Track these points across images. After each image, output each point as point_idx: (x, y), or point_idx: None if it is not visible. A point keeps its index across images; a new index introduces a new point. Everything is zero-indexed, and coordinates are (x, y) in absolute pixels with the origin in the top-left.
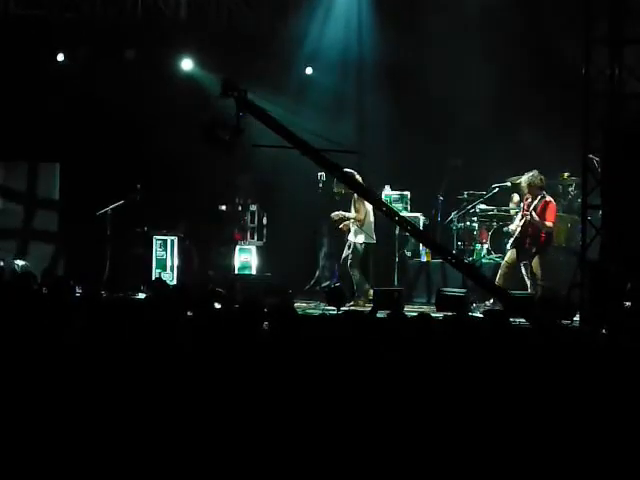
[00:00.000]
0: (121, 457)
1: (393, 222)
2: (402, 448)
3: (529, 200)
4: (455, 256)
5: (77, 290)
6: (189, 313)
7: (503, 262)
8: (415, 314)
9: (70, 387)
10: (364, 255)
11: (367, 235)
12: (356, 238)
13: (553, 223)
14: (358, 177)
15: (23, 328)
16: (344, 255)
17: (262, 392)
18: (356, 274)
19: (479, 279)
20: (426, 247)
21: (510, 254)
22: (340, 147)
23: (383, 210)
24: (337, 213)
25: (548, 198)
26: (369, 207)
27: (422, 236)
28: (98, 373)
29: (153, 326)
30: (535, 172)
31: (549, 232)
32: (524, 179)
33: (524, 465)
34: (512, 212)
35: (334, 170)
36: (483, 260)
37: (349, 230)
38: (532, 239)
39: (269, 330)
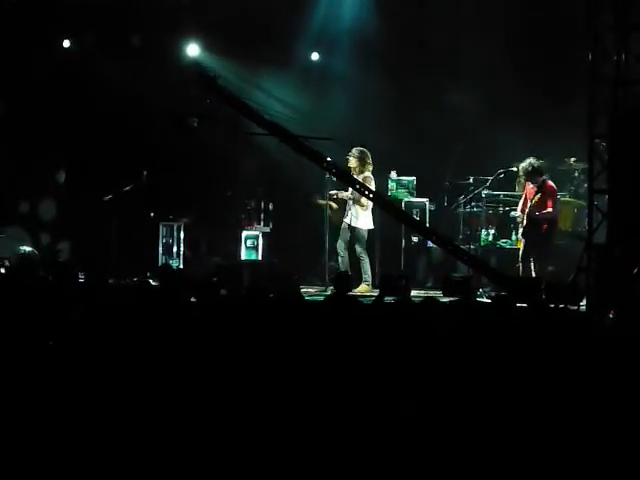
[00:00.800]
0: (126, 446)
1: (381, 208)
2: (409, 435)
3: (529, 188)
4: (452, 243)
5: (80, 276)
6: (193, 299)
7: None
8: (421, 299)
9: (74, 373)
10: (368, 240)
11: (370, 220)
12: (359, 222)
13: (553, 208)
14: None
15: (27, 315)
16: (344, 239)
17: (268, 378)
18: (365, 259)
19: (479, 265)
20: (420, 234)
21: (522, 248)
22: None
23: (371, 197)
24: (335, 192)
25: (548, 183)
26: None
27: (415, 224)
28: (103, 359)
29: (159, 312)
30: (530, 159)
31: (552, 218)
32: (520, 168)
33: (530, 453)
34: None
35: (316, 158)
36: (492, 245)
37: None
38: (537, 229)
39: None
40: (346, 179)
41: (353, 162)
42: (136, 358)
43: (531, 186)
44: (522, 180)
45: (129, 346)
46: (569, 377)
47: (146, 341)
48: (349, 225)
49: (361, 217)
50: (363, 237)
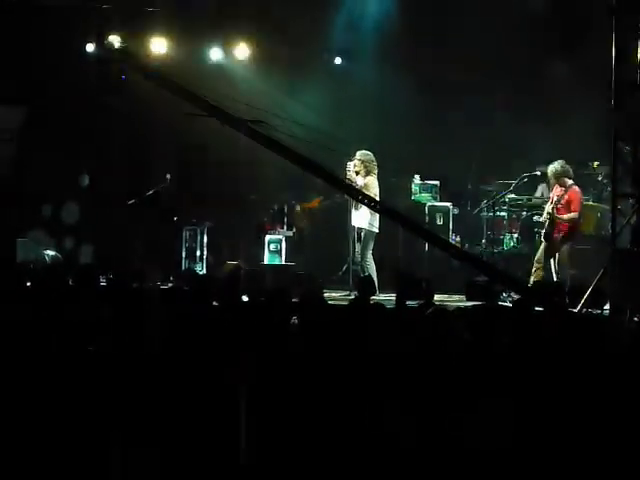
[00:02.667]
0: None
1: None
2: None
3: (558, 190)
4: (454, 247)
5: (101, 280)
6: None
7: (534, 261)
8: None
9: (98, 371)
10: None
11: (377, 222)
12: (368, 224)
13: (578, 212)
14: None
15: (52, 319)
16: (354, 240)
17: (289, 382)
18: (371, 264)
19: (486, 269)
20: (421, 238)
21: (540, 251)
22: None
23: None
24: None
25: (574, 188)
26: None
27: (413, 226)
28: (126, 359)
29: (180, 316)
30: (560, 161)
31: (574, 221)
32: (550, 169)
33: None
34: (539, 202)
35: (239, 125)
36: (512, 250)
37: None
38: (558, 230)
39: (298, 322)
40: (280, 149)
41: (358, 166)
42: (154, 360)
43: (559, 189)
44: (551, 182)
45: (150, 347)
46: (591, 381)
47: (167, 344)
48: (357, 227)
49: (371, 218)
50: (371, 240)
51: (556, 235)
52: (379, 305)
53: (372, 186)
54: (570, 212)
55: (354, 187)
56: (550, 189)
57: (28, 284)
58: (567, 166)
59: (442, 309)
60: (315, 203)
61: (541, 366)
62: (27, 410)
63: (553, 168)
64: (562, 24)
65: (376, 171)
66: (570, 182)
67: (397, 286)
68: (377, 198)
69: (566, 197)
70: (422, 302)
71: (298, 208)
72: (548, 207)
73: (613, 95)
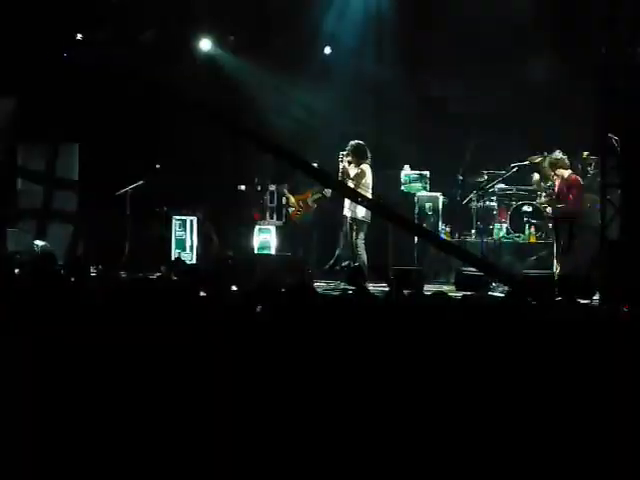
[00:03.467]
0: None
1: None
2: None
3: (557, 180)
4: (438, 238)
5: (92, 270)
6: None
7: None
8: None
9: (89, 365)
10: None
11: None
12: (360, 214)
13: (577, 198)
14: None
15: (43, 309)
16: (347, 231)
17: (277, 374)
18: (364, 254)
19: (475, 261)
20: (402, 228)
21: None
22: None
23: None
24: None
25: (572, 176)
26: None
27: (395, 217)
28: (116, 351)
29: (171, 306)
30: (557, 152)
31: (574, 211)
32: (547, 160)
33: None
34: (535, 190)
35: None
36: (503, 239)
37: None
38: (561, 220)
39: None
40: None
41: (350, 155)
42: (145, 352)
43: (556, 179)
44: (547, 172)
45: (140, 339)
46: (579, 371)
47: (156, 336)
48: (349, 216)
49: (361, 208)
50: (363, 230)
51: (560, 227)
52: (367, 294)
53: (365, 174)
54: (567, 201)
55: (344, 184)
56: (542, 179)
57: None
58: (562, 155)
59: (442, 293)
60: (308, 195)
61: (532, 359)
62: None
63: (549, 159)
64: (559, 15)
65: (369, 159)
66: (568, 172)
67: (389, 277)
68: (370, 185)
69: (565, 185)
70: (412, 292)
71: (289, 199)
72: (546, 200)
73: (603, 85)
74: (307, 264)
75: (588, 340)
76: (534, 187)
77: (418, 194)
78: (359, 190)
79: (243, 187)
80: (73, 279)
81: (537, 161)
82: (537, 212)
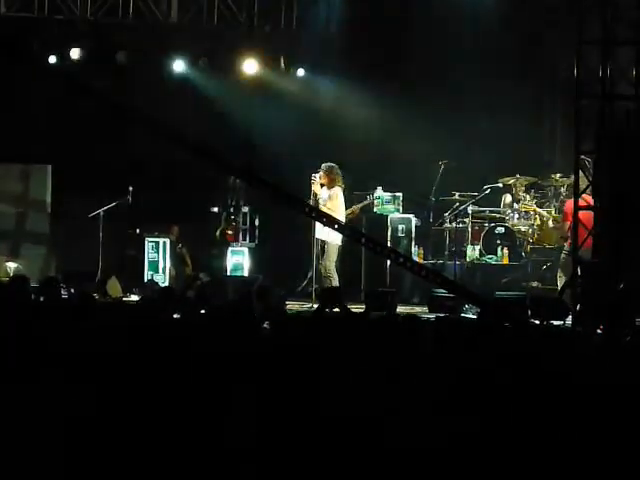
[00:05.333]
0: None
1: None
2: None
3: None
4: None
5: (63, 292)
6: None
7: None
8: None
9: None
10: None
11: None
12: (331, 236)
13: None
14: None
15: (17, 331)
16: (318, 253)
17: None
18: (335, 277)
19: (449, 285)
20: (384, 257)
21: None
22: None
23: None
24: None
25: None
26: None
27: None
28: (88, 374)
29: (144, 328)
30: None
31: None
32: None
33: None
34: (504, 213)
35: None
36: (476, 261)
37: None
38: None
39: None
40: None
41: (323, 178)
42: (120, 375)
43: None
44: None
45: (114, 361)
46: (552, 394)
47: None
48: (321, 239)
49: (332, 231)
50: (334, 252)
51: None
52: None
53: (338, 197)
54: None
55: (315, 209)
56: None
57: None
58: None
59: (413, 316)
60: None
61: (504, 379)
62: None
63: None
64: (518, 36)
65: (341, 182)
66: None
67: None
68: (343, 208)
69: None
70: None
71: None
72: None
73: (576, 107)
74: (278, 286)
75: (559, 362)
76: (505, 209)
77: (391, 216)
78: (331, 213)
79: (216, 209)
80: (44, 299)
81: (509, 183)
82: (510, 233)
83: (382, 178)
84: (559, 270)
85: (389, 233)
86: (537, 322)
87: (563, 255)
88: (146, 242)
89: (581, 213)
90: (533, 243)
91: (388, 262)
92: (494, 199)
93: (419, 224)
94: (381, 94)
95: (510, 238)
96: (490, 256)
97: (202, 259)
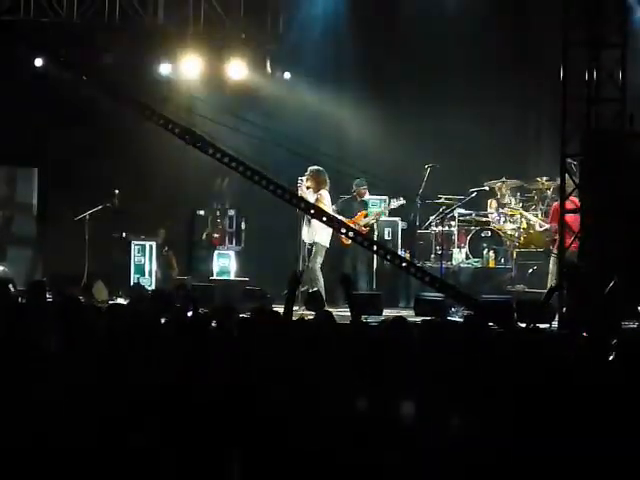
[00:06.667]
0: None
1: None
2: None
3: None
4: (412, 264)
5: (48, 295)
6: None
7: None
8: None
9: (50, 392)
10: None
11: (329, 237)
12: (318, 239)
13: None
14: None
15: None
16: (305, 256)
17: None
18: (320, 279)
19: (443, 286)
20: (377, 255)
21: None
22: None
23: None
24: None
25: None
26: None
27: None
28: (76, 378)
29: (131, 331)
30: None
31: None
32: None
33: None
34: (490, 216)
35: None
36: (461, 265)
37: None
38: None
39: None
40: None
41: (309, 181)
42: (106, 377)
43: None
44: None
45: (99, 364)
46: (538, 395)
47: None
48: (308, 241)
49: (320, 233)
50: (321, 254)
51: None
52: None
53: (324, 200)
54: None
55: (306, 201)
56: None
57: None
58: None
59: (402, 318)
60: (360, 218)
61: (490, 381)
62: None
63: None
64: (514, 40)
65: (327, 185)
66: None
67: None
68: (330, 211)
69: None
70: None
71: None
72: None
73: (562, 109)
74: (265, 289)
75: (545, 366)
76: (491, 212)
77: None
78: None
79: (202, 212)
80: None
81: (495, 186)
82: (496, 237)
83: (368, 182)
84: (550, 274)
85: (376, 236)
86: (523, 325)
87: (553, 258)
88: (132, 245)
89: (568, 216)
90: (519, 246)
91: (375, 265)
92: (480, 202)
93: (405, 227)
94: (365, 97)
95: (496, 241)
96: (476, 259)
97: (188, 262)
